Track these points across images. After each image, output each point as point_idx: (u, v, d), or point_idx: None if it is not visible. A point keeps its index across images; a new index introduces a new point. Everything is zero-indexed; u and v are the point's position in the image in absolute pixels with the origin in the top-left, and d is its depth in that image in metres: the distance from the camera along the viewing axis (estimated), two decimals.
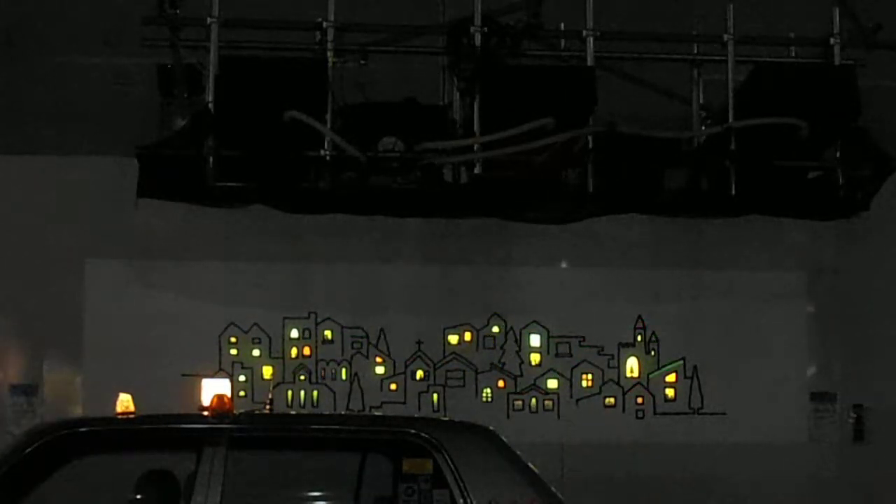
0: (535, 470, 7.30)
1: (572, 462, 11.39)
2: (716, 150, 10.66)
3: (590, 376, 12.40)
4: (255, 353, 12.13)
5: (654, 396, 12.52)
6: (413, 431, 7.32)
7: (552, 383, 12.39)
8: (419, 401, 12.21)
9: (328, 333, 12.22)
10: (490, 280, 12.40)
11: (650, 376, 12.54)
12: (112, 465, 7.90)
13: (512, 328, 12.44)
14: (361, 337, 12.25)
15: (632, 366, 12.47)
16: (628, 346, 12.54)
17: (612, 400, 12.46)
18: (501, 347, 12.41)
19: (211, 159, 10.19)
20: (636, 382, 12.53)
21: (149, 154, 10.25)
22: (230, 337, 12.08)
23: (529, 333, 12.45)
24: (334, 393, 12.09)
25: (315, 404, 12.07)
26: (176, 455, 7.64)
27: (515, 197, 10.71)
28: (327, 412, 11.50)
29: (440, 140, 10.40)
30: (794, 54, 11.11)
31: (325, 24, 10.43)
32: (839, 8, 10.80)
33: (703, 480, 11.87)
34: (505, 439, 7.48)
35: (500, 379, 12.38)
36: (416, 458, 7.24)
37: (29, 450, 7.13)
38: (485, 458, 7.22)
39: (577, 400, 12.39)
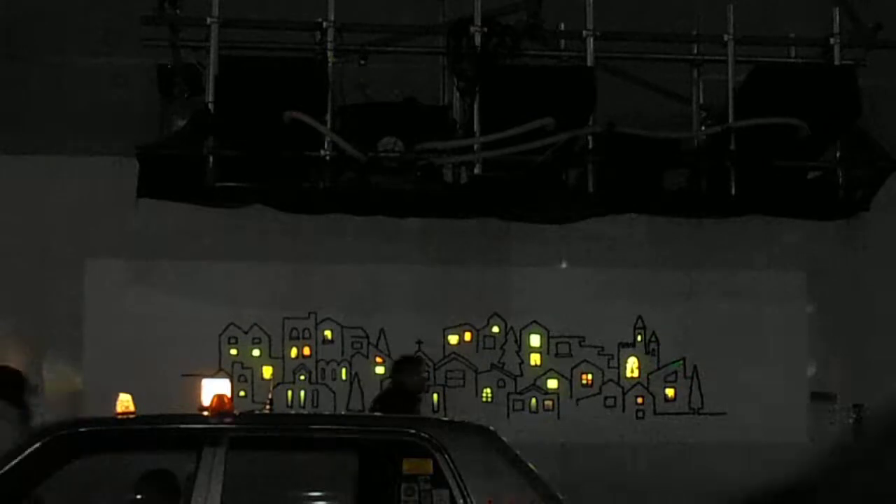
0: (535, 470, 7.29)
1: (572, 462, 11.38)
2: (716, 150, 10.66)
3: (590, 376, 12.40)
4: (255, 353, 12.12)
5: (654, 396, 12.52)
6: (413, 431, 7.32)
7: (552, 383, 12.39)
8: None
9: (328, 333, 12.22)
10: (490, 280, 12.39)
11: (650, 376, 12.54)
12: (112, 465, 7.90)
13: (512, 328, 12.44)
14: (361, 337, 12.25)
15: (632, 366, 12.47)
16: (628, 346, 12.54)
17: (612, 400, 12.46)
18: (501, 347, 12.41)
19: (211, 159, 10.19)
20: (636, 382, 12.53)
21: (149, 154, 10.25)
22: (230, 337, 12.08)
23: (529, 333, 12.45)
24: (334, 393, 12.09)
25: (315, 404, 12.07)
26: (176, 455, 7.64)
27: (515, 197, 10.70)
28: (327, 412, 11.50)
29: (440, 140, 10.40)
30: (794, 54, 11.11)
31: (325, 24, 10.43)
32: (839, 8, 10.80)
33: (703, 480, 11.85)
34: (505, 439, 7.48)
35: (500, 379, 12.38)
36: (416, 458, 7.23)
37: (29, 450, 7.13)
38: (485, 458, 7.21)
39: (578, 400, 12.39)
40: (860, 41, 10.88)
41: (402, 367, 11.25)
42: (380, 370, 12.21)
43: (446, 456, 7.14)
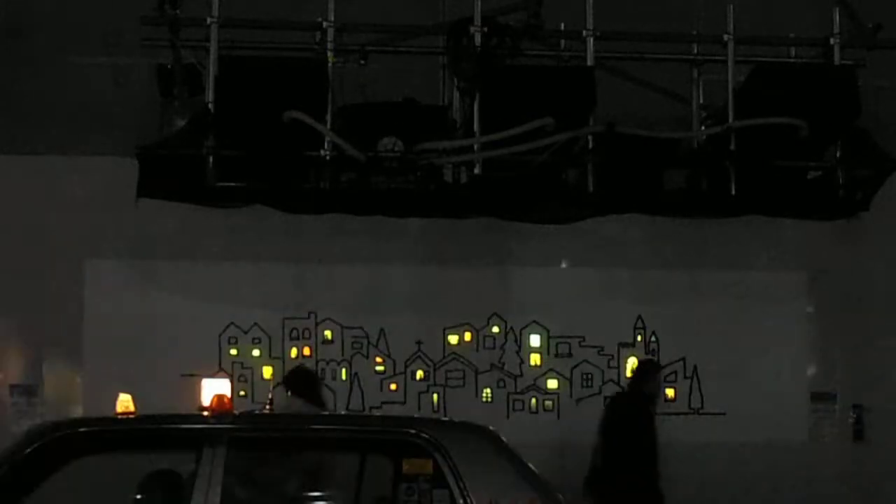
0: (535, 470, 7.29)
1: (572, 462, 11.37)
2: (716, 150, 10.67)
3: (590, 376, 12.40)
4: (255, 353, 12.12)
5: None
6: (413, 431, 7.31)
7: (552, 383, 12.39)
8: (419, 401, 12.20)
9: (328, 333, 12.22)
10: (490, 280, 12.39)
11: None
12: (112, 465, 7.90)
13: (512, 328, 12.44)
14: (361, 337, 12.24)
15: (632, 366, 12.46)
16: (628, 346, 12.54)
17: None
18: (501, 347, 12.41)
19: (211, 159, 10.19)
20: None
21: (149, 154, 10.25)
22: (230, 337, 12.07)
23: (529, 333, 12.45)
24: (334, 393, 12.08)
25: None
26: (175, 455, 7.63)
27: (515, 197, 10.71)
28: (327, 412, 11.50)
29: (440, 140, 10.40)
30: (794, 54, 11.12)
31: (325, 24, 10.44)
32: (839, 8, 10.80)
33: (703, 480, 11.86)
34: (505, 439, 7.47)
35: (500, 379, 12.37)
36: (416, 458, 7.22)
37: (29, 450, 7.11)
38: (485, 458, 7.21)
39: (577, 400, 12.38)
40: (860, 41, 10.88)
41: (644, 371, 11.33)
42: (380, 370, 12.21)
43: (446, 456, 7.13)
